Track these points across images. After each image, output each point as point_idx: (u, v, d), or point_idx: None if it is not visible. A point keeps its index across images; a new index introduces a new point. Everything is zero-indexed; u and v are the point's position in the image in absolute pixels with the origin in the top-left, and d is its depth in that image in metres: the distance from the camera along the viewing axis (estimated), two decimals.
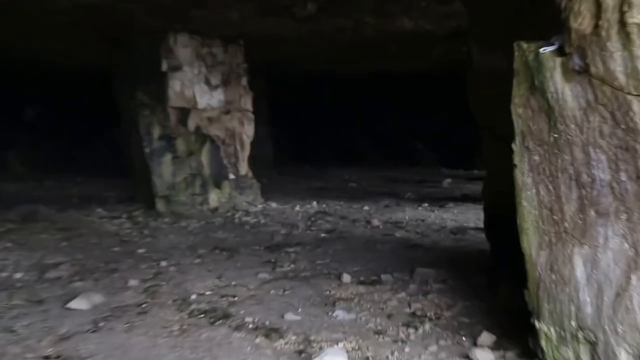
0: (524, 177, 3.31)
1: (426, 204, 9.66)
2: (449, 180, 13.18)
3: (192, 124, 9.16)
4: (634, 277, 2.97)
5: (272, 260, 5.97)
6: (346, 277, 5.16)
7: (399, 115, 18.13)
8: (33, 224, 8.10)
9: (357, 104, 18.28)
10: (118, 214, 8.80)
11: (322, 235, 7.34)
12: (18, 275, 5.45)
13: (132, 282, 5.10)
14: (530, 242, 3.32)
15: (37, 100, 16.30)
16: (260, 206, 9.49)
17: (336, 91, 17.08)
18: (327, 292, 4.81)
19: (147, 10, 7.79)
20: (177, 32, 8.95)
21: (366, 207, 9.42)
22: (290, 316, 4.25)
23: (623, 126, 2.96)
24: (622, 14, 2.92)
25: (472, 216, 8.41)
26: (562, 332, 3.23)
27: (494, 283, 4.56)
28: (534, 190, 3.29)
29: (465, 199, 10.24)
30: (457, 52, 9.52)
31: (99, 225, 8.11)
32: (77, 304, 4.50)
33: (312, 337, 3.86)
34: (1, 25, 8.40)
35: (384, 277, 5.17)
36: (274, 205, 9.65)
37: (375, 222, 8.08)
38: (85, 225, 8.03)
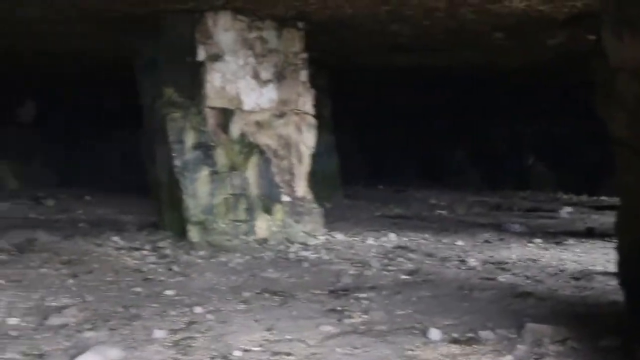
0: None
1: (539, 240, 9.59)
2: (568, 209, 13.06)
3: (235, 129, 9.26)
4: None
5: (338, 308, 5.98)
6: (434, 333, 5.15)
7: (503, 122, 18.04)
8: (31, 255, 8.24)
9: (447, 107, 18.23)
10: (139, 245, 8.92)
11: (403, 277, 7.34)
12: (13, 321, 5.52)
13: (159, 334, 5.15)
14: None
15: (35, 99, 16.67)
16: (322, 238, 9.54)
17: (420, 91, 17.07)
18: (410, 352, 4.81)
19: None
20: (217, 10, 9.07)
21: (460, 242, 9.39)
22: None
23: None
24: None
25: (599, 257, 8.32)
26: None
27: (631, 347, 4.51)
28: None
29: (590, 234, 10.13)
30: (580, 41, 9.48)
31: (114, 258, 8.22)
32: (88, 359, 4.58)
33: None
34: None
35: (483, 334, 5.15)
36: (339, 237, 9.69)
37: (472, 261, 8.05)
38: (97, 258, 8.15)
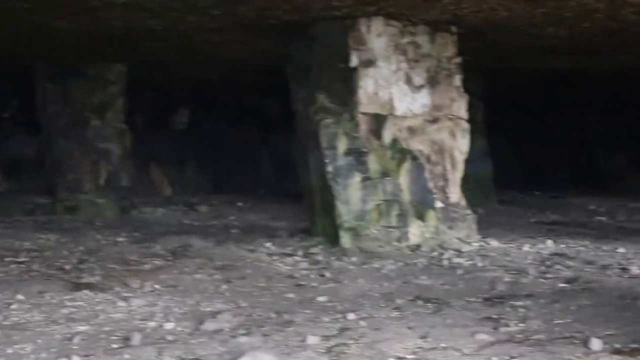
0: None
1: None
2: None
3: (388, 135, 9.25)
4: None
5: (494, 316, 5.90)
6: (595, 343, 5.02)
7: None
8: (185, 260, 8.44)
9: (605, 111, 17.85)
10: (291, 251, 9.01)
11: (561, 285, 7.20)
12: (169, 326, 5.63)
13: (312, 340, 5.16)
14: None
15: (188, 106, 17.07)
16: (476, 244, 9.44)
17: (576, 94, 16.77)
18: None
19: None
20: (370, 16, 9.08)
21: (621, 250, 9.14)
22: None
23: None
24: None
25: None
26: None
27: None
28: None
29: None
30: None
31: (267, 264, 8.34)
32: None
33: None
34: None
35: None
36: (494, 243, 9.57)
37: (635, 269, 7.82)
38: (249, 264, 8.28)
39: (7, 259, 8.43)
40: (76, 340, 5.20)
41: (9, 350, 4.94)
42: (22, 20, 9.38)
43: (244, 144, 17.15)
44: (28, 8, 8.68)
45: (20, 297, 6.52)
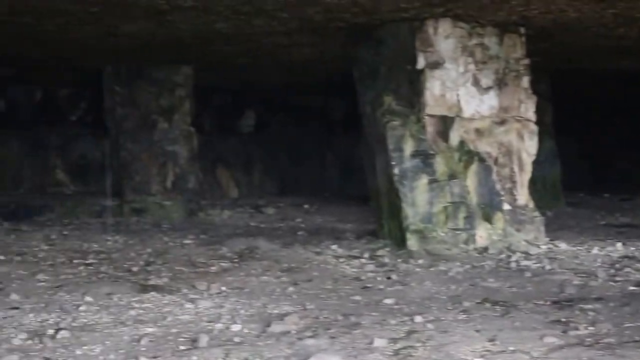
0: None
1: None
2: None
3: (455, 137, 9.23)
4: None
5: (563, 319, 5.85)
6: None
7: None
8: (252, 262, 8.50)
9: None
10: (358, 253, 9.01)
11: (631, 288, 7.10)
12: (236, 328, 5.65)
13: (379, 342, 5.15)
14: None
15: (254, 109, 17.17)
16: (544, 247, 9.37)
17: None
18: None
19: None
20: (438, 18, 9.08)
21: None
22: None
23: None
24: None
25: None
26: None
27: None
28: None
29: None
30: None
31: (333, 266, 8.36)
32: None
33: None
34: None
35: None
36: (562, 246, 9.49)
37: None
38: (316, 267, 8.31)
39: (75, 261, 8.57)
40: (144, 341, 5.25)
41: (78, 352, 5.00)
42: (91, 24, 9.52)
43: (310, 146, 17.21)
44: (96, 12, 8.82)
45: (88, 298, 6.62)
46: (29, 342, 5.25)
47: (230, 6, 8.57)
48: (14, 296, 6.72)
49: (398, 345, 5.10)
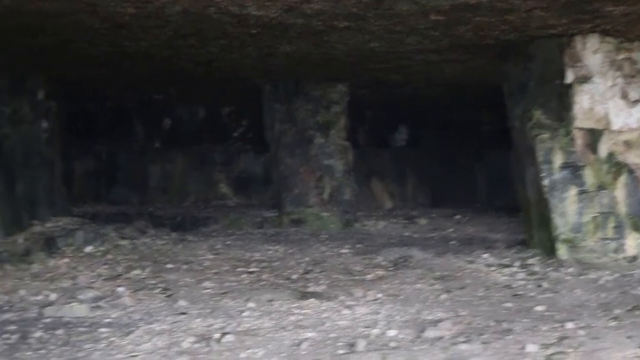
0: None
1: None
2: None
3: (603, 149, 9.10)
4: None
5: None
6: None
7: None
8: (406, 271, 8.55)
9: None
10: (508, 262, 8.98)
11: None
12: (391, 333, 5.71)
13: (531, 348, 5.16)
14: None
15: (407, 123, 17.22)
16: None
17: None
18: None
19: (546, 7, 7.94)
20: (586, 33, 8.98)
21: None
22: None
23: None
24: None
25: None
26: None
27: None
28: None
29: None
30: None
31: (485, 274, 8.35)
32: None
33: None
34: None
35: None
36: None
37: None
38: (468, 275, 8.32)
39: (238, 269, 8.76)
40: (304, 345, 5.37)
41: (243, 355, 5.15)
42: (251, 45, 9.76)
43: (461, 159, 17.16)
44: (256, 34, 9.04)
45: (251, 304, 6.80)
46: (197, 345, 5.44)
47: (383, 26, 8.67)
48: (182, 302, 6.95)
49: (550, 351, 5.10)
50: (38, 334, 5.80)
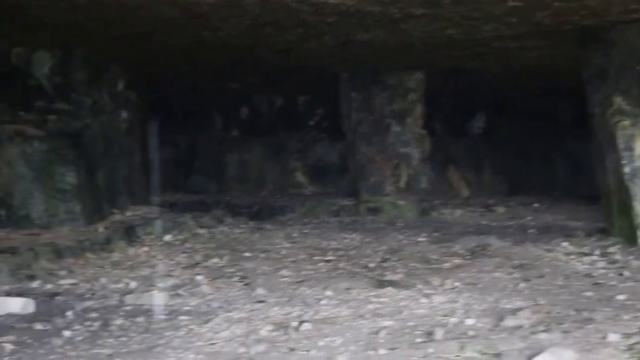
0: None
1: None
2: None
3: None
4: None
5: None
6: None
7: None
8: (484, 259, 8.48)
9: None
10: (588, 250, 8.85)
11: None
12: (470, 322, 5.67)
13: (612, 337, 5.05)
14: None
15: (484, 111, 17.08)
16: None
17: None
18: None
19: None
20: None
21: None
22: None
23: None
24: None
25: None
26: None
27: None
28: None
29: None
30: None
31: (564, 263, 8.23)
32: None
33: None
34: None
35: None
36: None
37: None
38: (547, 263, 8.21)
39: (315, 258, 8.79)
40: (382, 334, 5.34)
41: (321, 343, 5.15)
42: (328, 34, 9.75)
43: (538, 147, 16.97)
44: (333, 22, 9.03)
45: (329, 293, 6.80)
46: (275, 333, 5.45)
47: (460, 12, 8.60)
48: (260, 290, 6.98)
49: (632, 340, 5.00)
50: (119, 321, 5.88)
